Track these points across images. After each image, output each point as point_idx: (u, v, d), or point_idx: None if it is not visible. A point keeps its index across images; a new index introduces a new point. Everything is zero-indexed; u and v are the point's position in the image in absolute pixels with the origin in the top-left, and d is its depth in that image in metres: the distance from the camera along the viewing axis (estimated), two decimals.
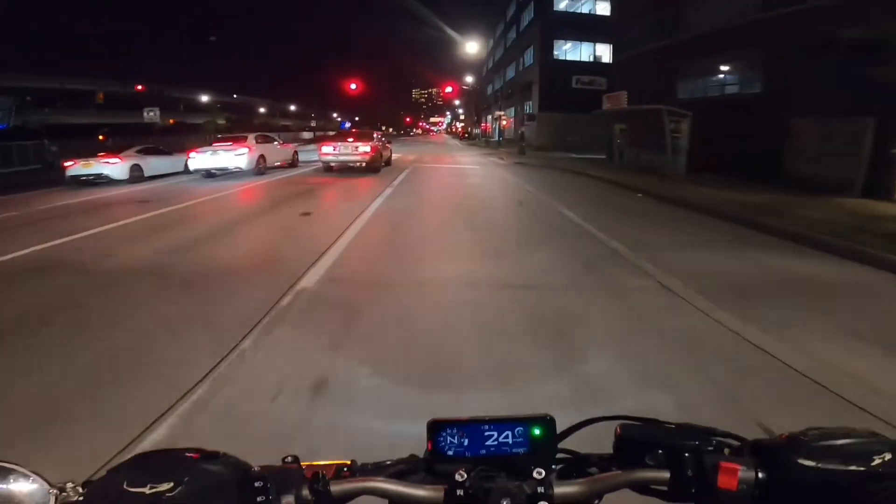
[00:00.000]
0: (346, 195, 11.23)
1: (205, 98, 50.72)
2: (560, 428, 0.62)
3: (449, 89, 42.85)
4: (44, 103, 41.77)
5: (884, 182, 9.30)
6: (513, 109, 46.29)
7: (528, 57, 41.58)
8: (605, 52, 38.14)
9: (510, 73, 48.45)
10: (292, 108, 67.33)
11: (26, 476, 0.47)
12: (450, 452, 0.59)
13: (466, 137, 62.55)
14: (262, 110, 69.48)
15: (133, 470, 0.49)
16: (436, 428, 0.59)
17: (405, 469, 0.61)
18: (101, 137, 27.76)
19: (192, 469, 0.49)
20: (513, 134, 45.20)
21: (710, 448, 0.55)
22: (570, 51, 38.12)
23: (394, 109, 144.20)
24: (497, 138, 42.61)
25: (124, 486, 0.46)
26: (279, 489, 0.51)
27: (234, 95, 72.35)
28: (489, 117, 66.86)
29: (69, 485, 0.47)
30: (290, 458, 0.56)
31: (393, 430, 2.24)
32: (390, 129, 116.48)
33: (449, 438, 0.59)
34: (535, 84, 37.79)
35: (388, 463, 0.62)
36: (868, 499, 0.45)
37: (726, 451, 0.56)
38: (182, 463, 0.50)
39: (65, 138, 30.17)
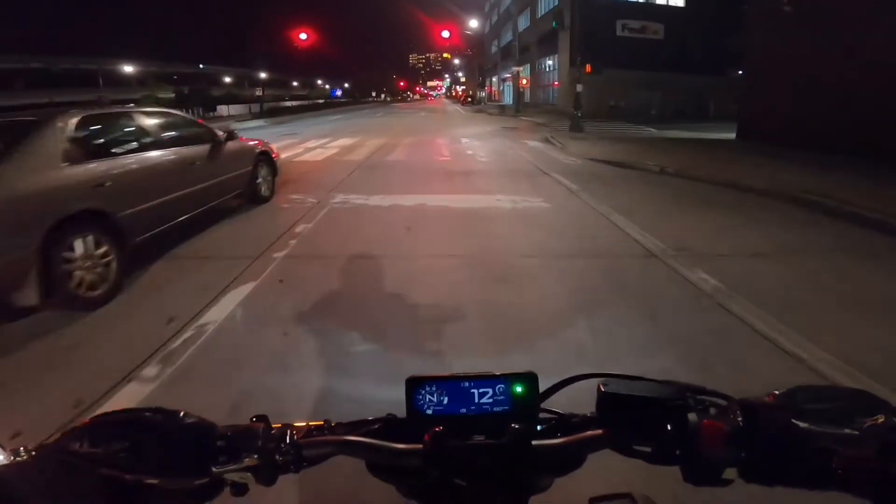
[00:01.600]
0: None
1: (129, 69, 39.79)
2: (543, 386, 0.59)
3: (446, 34, 32.60)
4: None
5: None
6: (528, 67, 36.21)
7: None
8: None
9: (523, 22, 37.87)
10: (263, 75, 56.61)
11: None
12: (428, 411, 0.57)
13: (469, 102, 52.06)
14: (227, 80, 58.73)
15: (89, 431, 0.48)
16: (414, 384, 0.57)
17: (381, 428, 0.59)
18: None
19: (151, 428, 0.49)
20: (532, 97, 35.40)
21: (696, 407, 0.53)
22: None
23: (388, 74, 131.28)
24: (513, 104, 32.60)
25: (77, 447, 0.46)
26: (243, 448, 0.49)
27: (201, 66, 61.57)
28: (494, 79, 56.62)
29: (21, 448, 0.45)
30: (255, 418, 0.53)
31: None
32: (381, 95, 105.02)
33: (428, 396, 0.57)
34: (563, 32, 27.59)
35: (364, 421, 0.59)
36: (859, 460, 0.43)
37: (712, 410, 0.53)
38: (141, 422, 0.50)
39: None
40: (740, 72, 29.20)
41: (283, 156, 10.61)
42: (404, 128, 18.88)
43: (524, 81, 32.93)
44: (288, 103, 57.24)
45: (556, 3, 29.67)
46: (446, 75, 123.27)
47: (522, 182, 7.09)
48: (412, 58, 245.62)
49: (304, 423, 0.56)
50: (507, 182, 7.06)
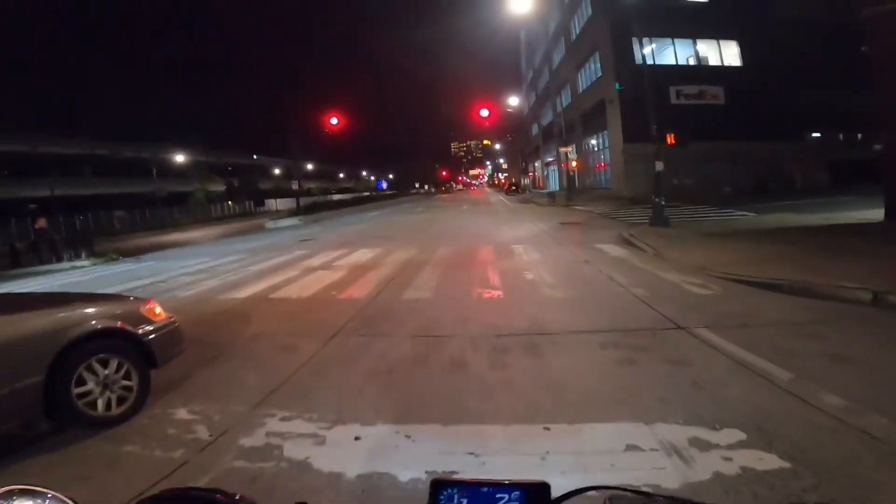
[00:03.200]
0: None
1: (180, 158, 41.15)
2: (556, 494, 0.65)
3: (485, 112, 30.90)
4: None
5: None
6: (574, 148, 33.95)
7: (592, 69, 29.38)
8: (710, 52, 25.59)
9: (565, 99, 36.30)
10: (310, 166, 58.21)
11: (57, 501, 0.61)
12: None
13: (514, 191, 50.21)
14: (276, 171, 60.79)
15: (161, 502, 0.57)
16: (438, 486, 0.64)
17: None
18: (38, 223, 17.52)
19: None
20: (578, 181, 32.63)
21: None
22: (659, 52, 25.53)
23: (431, 164, 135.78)
24: (560, 190, 29.83)
25: None
26: None
27: (255, 156, 64.58)
28: (537, 163, 54.99)
29: None
30: None
31: None
32: (425, 186, 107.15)
33: (449, 498, 0.63)
34: (613, 103, 25.20)
35: None
36: None
37: None
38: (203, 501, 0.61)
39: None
40: (817, 134, 25.41)
41: (265, 284, 7.55)
42: (442, 229, 16.01)
43: (574, 164, 30.23)
44: (335, 196, 57.88)
45: (600, 74, 27.65)
46: (487, 162, 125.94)
47: (659, 365, 3.53)
48: (454, 146, 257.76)
49: None
50: (637, 375, 3.48)
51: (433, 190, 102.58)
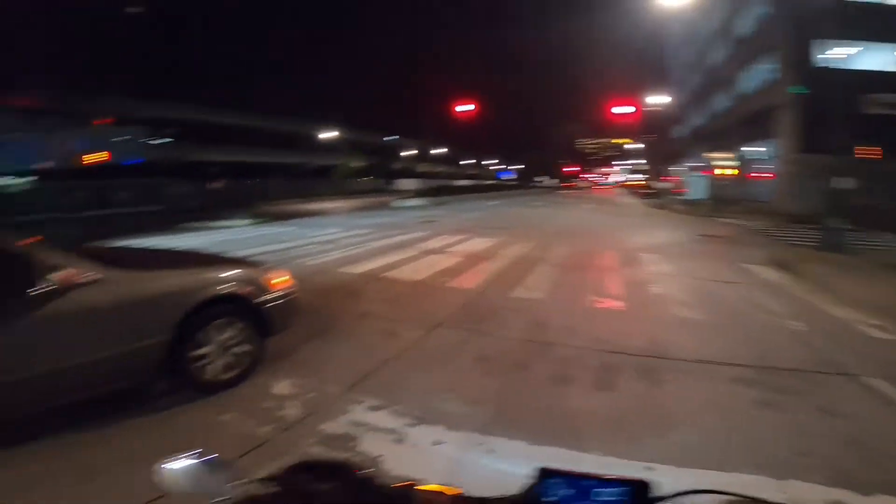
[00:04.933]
0: None
1: (327, 134, 45.35)
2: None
3: (625, 109, 28.83)
4: (186, 138, 40.77)
5: None
6: (729, 155, 29.78)
7: (761, 71, 25.41)
8: None
9: (721, 102, 32.18)
10: (438, 151, 60.31)
11: (216, 464, 0.71)
12: (552, 499, 0.66)
13: (648, 193, 46.15)
14: (407, 153, 63.98)
15: (306, 470, 0.70)
16: (545, 474, 0.68)
17: None
18: (213, 184, 21.71)
19: (347, 477, 0.68)
20: (729, 190, 28.63)
21: None
22: (851, 58, 21.14)
23: (556, 157, 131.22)
24: (704, 199, 26.65)
25: (298, 483, 0.66)
26: None
27: (385, 138, 68.85)
28: (678, 168, 49.77)
29: (246, 479, 0.70)
30: (407, 482, 0.71)
31: None
32: (546, 179, 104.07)
33: (554, 487, 0.67)
34: (786, 109, 21.63)
35: (494, 499, 0.70)
36: None
37: None
38: (341, 472, 0.69)
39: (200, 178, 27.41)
40: None
41: (381, 262, 7.85)
42: (562, 226, 15.27)
43: (728, 171, 26.81)
44: (458, 182, 59.25)
45: (771, 76, 23.83)
46: (618, 161, 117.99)
47: (807, 414, 2.78)
48: (584, 142, 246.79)
49: (445, 491, 0.70)
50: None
51: (556, 184, 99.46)
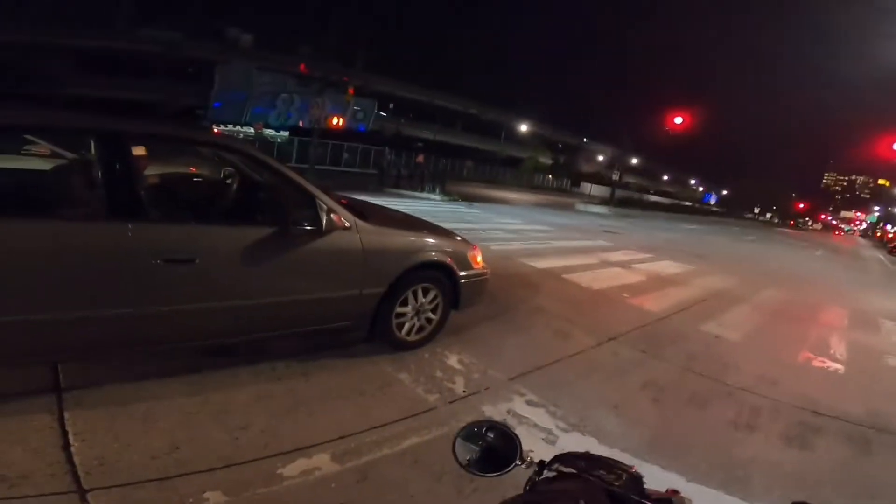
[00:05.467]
0: None
1: (523, 127, 45.84)
2: None
3: None
4: (402, 113, 45.97)
5: None
6: None
7: None
8: None
9: None
10: (635, 161, 55.79)
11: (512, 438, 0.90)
12: None
13: None
14: (600, 158, 60.99)
15: (575, 460, 0.80)
16: None
17: None
18: (418, 158, 25.50)
19: (618, 472, 0.78)
20: None
21: None
22: None
23: (785, 190, 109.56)
24: None
25: (583, 466, 0.77)
26: None
27: (584, 139, 66.68)
28: None
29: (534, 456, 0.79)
30: (672, 490, 0.79)
31: None
32: (766, 214, 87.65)
33: None
34: None
35: None
36: None
37: None
38: (609, 465, 0.81)
39: (409, 150, 31.80)
40: None
41: (562, 262, 7.87)
42: (776, 268, 12.84)
43: None
44: (652, 197, 54.43)
45: None
46: (876, 206, 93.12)
47: None
48: (828, 177, 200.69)
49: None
50: None
51: (775, 220, 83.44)
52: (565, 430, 2.77)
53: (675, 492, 0.76)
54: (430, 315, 3.53)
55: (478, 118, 50.81)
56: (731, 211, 73.97)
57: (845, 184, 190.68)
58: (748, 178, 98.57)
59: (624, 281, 7.21)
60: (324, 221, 2.77)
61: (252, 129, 29.51)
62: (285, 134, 31.35)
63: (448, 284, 3.59)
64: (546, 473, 0.80)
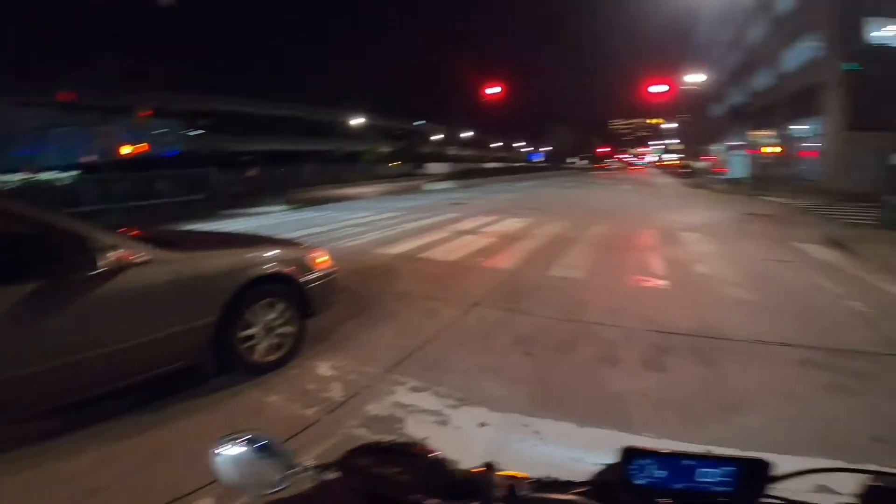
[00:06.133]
0: None
1: (356, 121, 45.61)
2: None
3: (660, 88, 28.11)
4: (220, 128, 41.70)
5: None
6: (772, 133, 28.17)
7: (805, 48, 24.19)
8: None
9: (762, 80, 30.51)
10: (466, 134, 59.66)
11: (269, 450, 0.67)
12: (641, 482, 0.58)
13: (686, 173, 44.62)
14: (435, 137, 63.64)
15: (361, 456, 0.65)
16: (630, 454, 0.59)
17: (594, 491, 0.61)
18: (250, 172, 22.55)
19: (413, 460, 0.64)
20: (770, 169, 27.20)
21: None
22: None
23: (589, 137, 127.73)
24: (746, 177, 25.47)
25: (354, 468, 0.62)
26: (479, 494, 0.59)
27: (417, 123, 68.58)
28: (716, 147, 47.52)
29: (301, 467, 0.65)
30: (484, 466, 0.65)
31: None
32: (578, 161, 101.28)
33: (642, 468, 0.58)
34: (833, 87, 20.44)
35: (574, 482, 0.63)
36: None
37: None
38: (406, 453, 0.66)
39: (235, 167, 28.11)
40: None
41: (416, 243, 7.77)
42: (597, 207, 14.83)
43: (771, 149, 25.54)
44: (487, 165, 58.56)
45: (816, 53, 22.62)
46: (654, 142, 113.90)
47: (882, 398, 2.59)
48: (618, 122, 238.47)
49: (521, 476, 0.64)
50: None
51: (588, 165, 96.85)
52: (454, 407, 2.74)
53: (489, 466, 0.67)
54: (285, 329, 3.29)
55: (308, 120, 48.76)
56: (555, 163, 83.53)
57: (630, 126, 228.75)
58: (561, 133, 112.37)
59: (476, 246, 7.55)
60: (102, 261, 2.31)
61: (21, 175, 23.87)
62: (73, 174, 26.06)
63: (294, 294, 3.37)
64: (328, 475, 0.65)
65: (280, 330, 3.26)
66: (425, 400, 2.83)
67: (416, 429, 2.53)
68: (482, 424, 2.55)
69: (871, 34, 20.27)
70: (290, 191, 21.46)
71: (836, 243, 7.77)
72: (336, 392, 2.96)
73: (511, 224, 10.01)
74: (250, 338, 3.07)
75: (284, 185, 20.98)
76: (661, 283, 5.44)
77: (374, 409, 2.75)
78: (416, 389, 2.96)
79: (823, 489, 0.81)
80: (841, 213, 12.05)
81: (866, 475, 0.58)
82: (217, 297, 2.87)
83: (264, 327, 3.14)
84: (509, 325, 4.10)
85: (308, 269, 3.50)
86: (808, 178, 23.26)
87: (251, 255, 3.25)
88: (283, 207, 16.91)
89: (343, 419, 2.65)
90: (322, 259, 3.70)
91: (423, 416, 2.65)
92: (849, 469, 0.61)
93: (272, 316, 3.20)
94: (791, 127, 26.52)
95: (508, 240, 8.13)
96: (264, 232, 10.66)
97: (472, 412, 2.68)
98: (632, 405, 2.74)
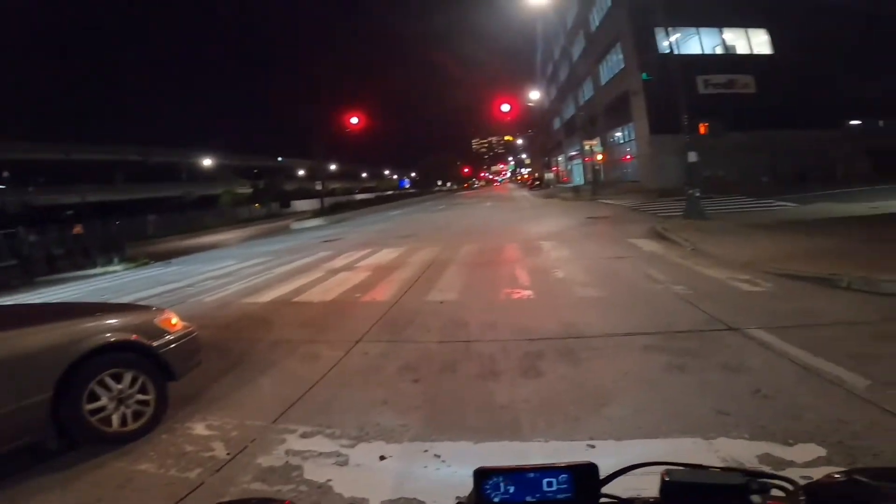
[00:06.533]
0: None
1: (207, 161, 42.03)
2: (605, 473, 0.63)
3: (506, 107, 30.93)
4: (27, 180, 35.07)
5: None
6: (597, 142, 32.84)
7: (614, 61, 28.81)
8: (737, 41, 24.72)
9: (587, 92, 35.55)
10: (333, 167, 58.61)
11: None
12: (496, 500, 0.62)
13: (537, 186, 49.65)
14: (301, 172, 61.46)
15: None
16: (482, 476, 0.63)
17: None
18: (75, 229, 18.43)
19: None
20: (604, 174, 31.74)
21: (758, 491, 0.55)
22: (684, 42, 24.55)
23: (452, 160, 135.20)
24: (585, 184, 29.20)
25: None
26: None
27: (280, 158, 65.44)
28: (560, 158, 53.92)
29: None
30: None
31: None
32: (447, 183, 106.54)
33: (495, 486, 0.63)
34: (637, 95, 24.57)
35: None
36: None
37: (775, 492, 0.55)
38: None
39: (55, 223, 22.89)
40: (857, 122, 24.19)
41: (288, 287, 7.33)
42: (464, 227, 15.68)
43: (598, 157, 29.51)
44: (358, 196, 58.06)
45: (622, 65, 27.07)
46: (510, 158, 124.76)
47: (714, 372, 3.10)
48: (475, 142, 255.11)
49: None
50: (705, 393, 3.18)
51: (455, 187, 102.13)
52: (351, 446, 2.66)
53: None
54: (142, 397, 3.08)
55: (148, 164, 43.40)
56: (423, 189, 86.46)
57: (487, 144, 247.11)
58: (425, 157, 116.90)
59: (353, 282, 7.41)
60: None
61: None
62: None
63: (146, 360, 3.14)
64: None
65: (140, 396, 3.06)
66: (319, 443, 2.71)
67: (315, 473, 2.41)
68: (383, 458, 2.50)
69: (662, 44, 24.75)
70: (131, 245, 18.84)
71: (658, 235, 9.30)
72: (219, 450, 2.75)
73: (385, 255, 10.05)
74: (99, 410, 2.87)
75: (123, 241, 18.31)
76: (527, 293, 5.91)
77: (265, 461, 2.59)
78: (307, 435, 2.82)
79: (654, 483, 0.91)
80: (657, 208, 14.48)
81: (665, 469, 0.66)
82: (46, 375, 2.68)
83: (114, 398, 2.94)
84: (394, 356, 4.08)
85: (158, 332, 3.27)
86: (632, 180, 27.57)
87: (84, 325, 3.00)
88: (122, 266, 14.77)
89: (233, 476, 2.47)
90: (170, 319, 3.42)
91: (320, 460, 2.54)
92: (659, 462, 0.68)
93: (122, 386, 2.99)
94: (614, 134, 31.25)
95: (384, 271, 8.14)
96: (105, 295, 9.20)
97: (370, 447, 2.63)
98: (519, 412, 2.91)
